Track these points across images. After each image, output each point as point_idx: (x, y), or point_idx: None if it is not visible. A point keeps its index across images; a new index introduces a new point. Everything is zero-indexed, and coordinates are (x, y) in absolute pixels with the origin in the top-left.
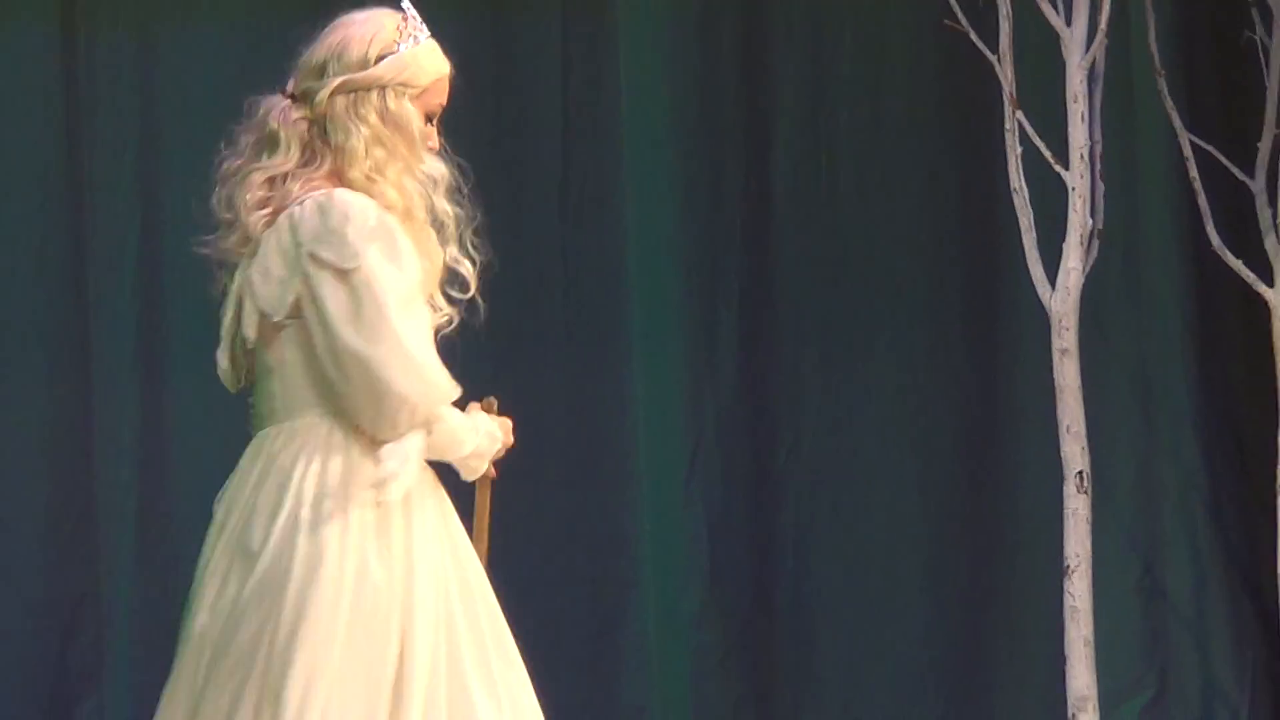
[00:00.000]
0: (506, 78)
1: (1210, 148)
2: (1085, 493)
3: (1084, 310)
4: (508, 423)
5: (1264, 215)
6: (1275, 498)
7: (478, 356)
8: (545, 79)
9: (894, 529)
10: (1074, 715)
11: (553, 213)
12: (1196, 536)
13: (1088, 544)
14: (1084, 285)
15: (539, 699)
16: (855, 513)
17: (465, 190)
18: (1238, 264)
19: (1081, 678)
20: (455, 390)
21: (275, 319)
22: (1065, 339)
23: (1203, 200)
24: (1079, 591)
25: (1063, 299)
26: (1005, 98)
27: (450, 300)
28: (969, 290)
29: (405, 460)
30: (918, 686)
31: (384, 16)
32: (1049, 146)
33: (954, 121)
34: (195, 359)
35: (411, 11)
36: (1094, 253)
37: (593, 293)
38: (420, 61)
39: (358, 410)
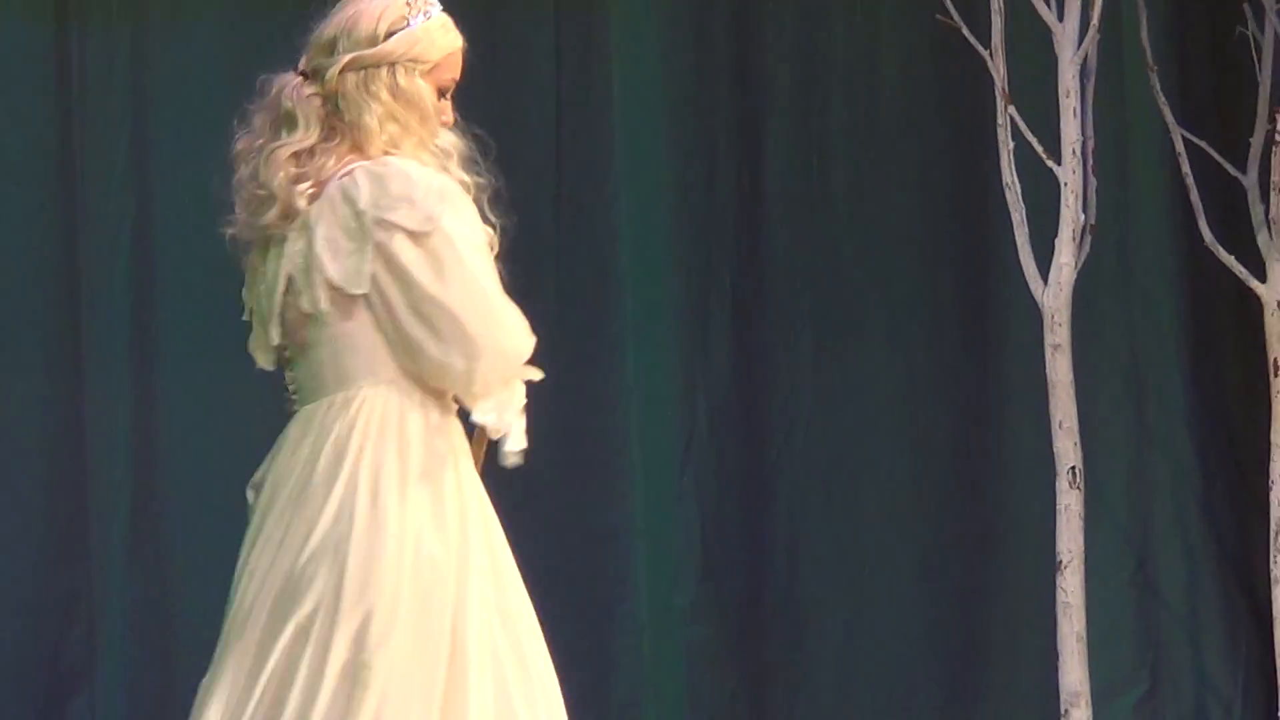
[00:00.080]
0: (499, 74)
1: (1202, 143)
2: (1078, 488)
3: (1076, 306)
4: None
5: (1256, 211)
6: (1268, 493)
7: None
8: (537, 75)
9: (887, 523)
10: (1066, 710)
11: (545, 209)
12: (1189, 532)
13: (1080, 539)
14: (1076, 281)
15: None
16: (848, 507)
17: (480, 161)
18: (1230, 259)
19: (1074, 673)
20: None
21: (352, 291)
22: (1058, 334)
23: (1195, 196)
24: (1071, 587)
25: (1055, 294)
26: (997, 93)
27: None
28: (961, 286)
29: (520, 414)
30: (910, 681)
31: None
32: (1041, 142)
33: (946, 117)
34: (188, 356)
35: None
36: (1086, 248)
37: (585, 288)
38: (431, 37)
39: (446, 370)
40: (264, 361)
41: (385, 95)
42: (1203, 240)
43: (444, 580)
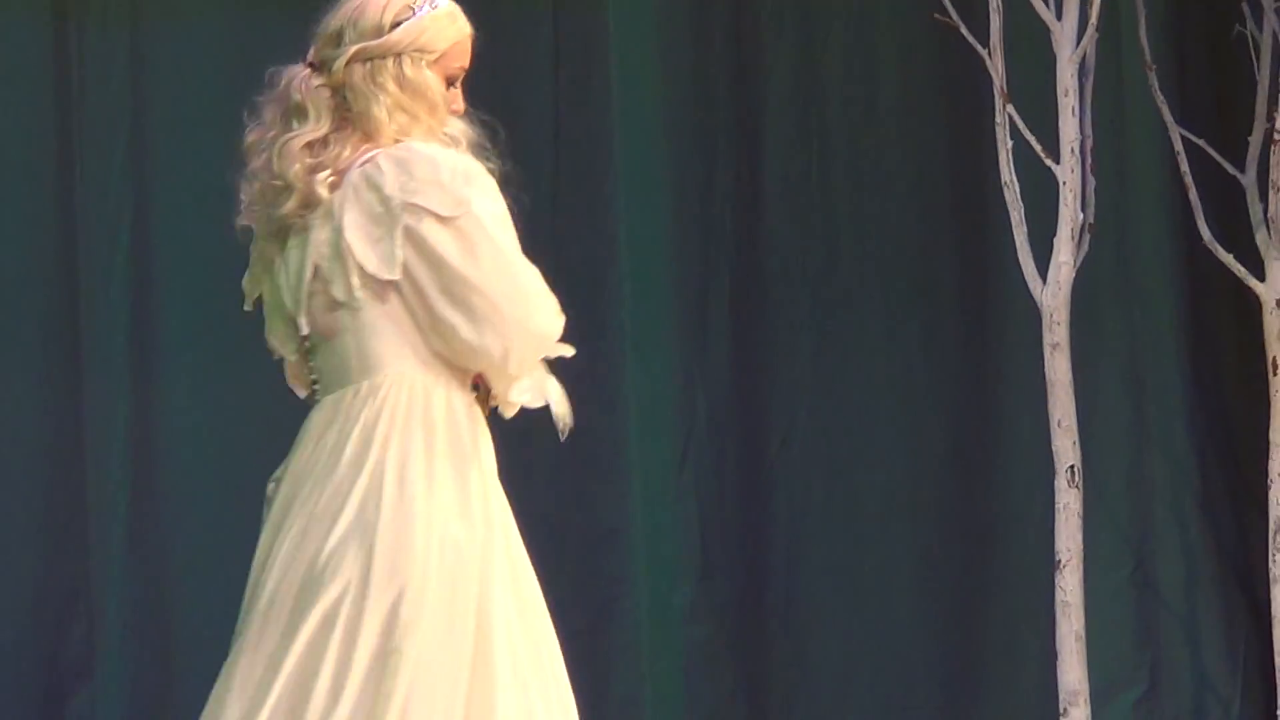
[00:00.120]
0: (497, 75)
1: (1201, 142)
2: (1076, 487)
3: (1075, 305)
4: None
5: (1254, 209)
6: (1266, 492)
7: None
8: (536, 75)
9: (885, 522)
10: (1065, 710)
11: (544, 208)
12: (1188, 531)
13: (1079, 538)
14: (1075, 280)
15: None
16: (846, 506)
17: (489, 147)
18: (1228, 258)
19: (1073, 672)
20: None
21: (384, 277)
22: (1056, 333)
23: (1193, 194)
24: (1070, 586)
25: (1054, 293)
26: (996, 92)
27: None
28: (960, 285)
29: (555, 385)
30: (909, 680)
31: None
32: (1040, 141)
33: (944, 116)
34: (187, 354)
35: None
36: (1085, 247)
37: (584, 287)
38: (438, 26)
39: (480, 351)
40: (287, 351)
41: (392, 86)
42: (1201, 239)
43: (469, 566)
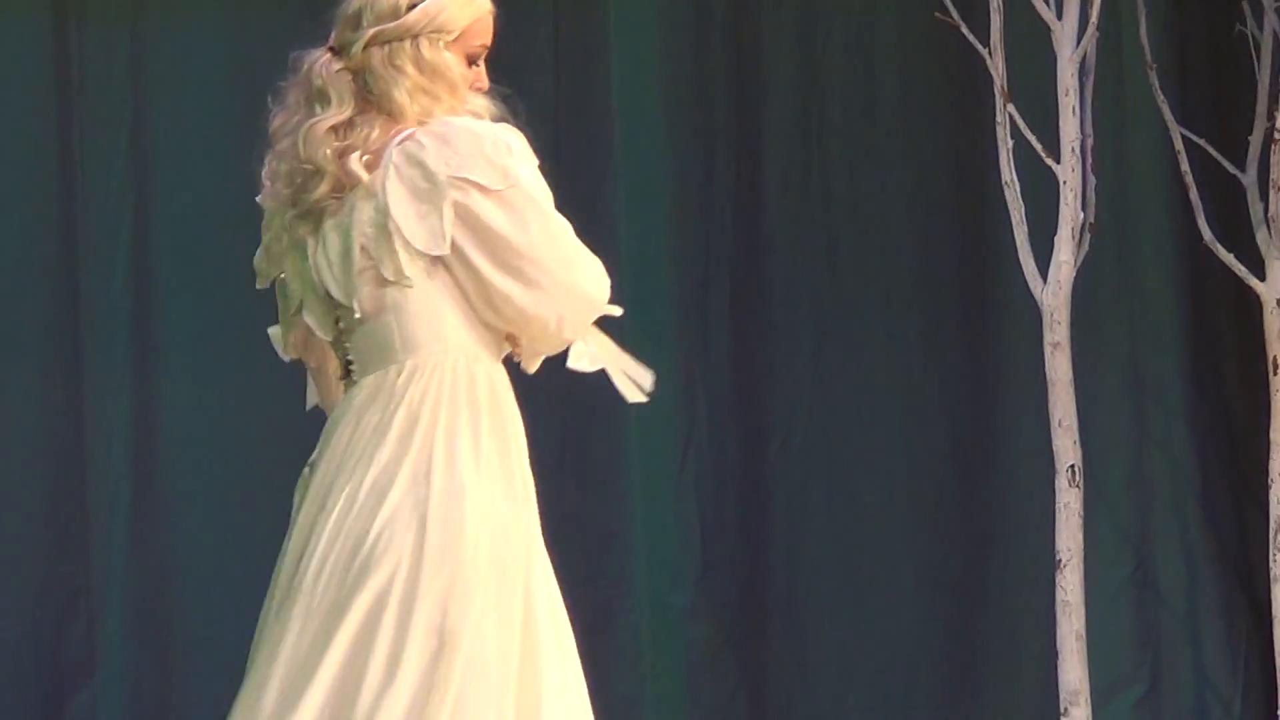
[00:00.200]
0: (497, 72)
1: (1202, 141)
2: (1077, 486)
3: (1075, 304)
4: None
5: (1255, 209)
6: (1267, 491)
7: None
8: (537, 74)
9: (886, 522)
10: (1066, 709)
11: None
12: (1188, 530)
13: (1079, 538)
14: (1075, 279)
15: None
16: (847, 506)
17: (511, 120)
18: (1229, 257)
19: (1073, 672)
20: None
21: (434, 253)
22: (1057, 333)
23: (1194, 194)
24: (1071, 585)
25: (1054, 293)
26: (996, 91)
27: None
28: (960, 284)
29: (610, 346)
30: (910, 680)
31: None
32: (1040, 140)
33: (945, 115)
34: (187, 353)
35: None
36: (1085, 246)
37: None
38: (454, 6)
39: (534, 319)
40: (322, 332)
41: (411, 69)
42: (1202, 238)
43: (516, 546)
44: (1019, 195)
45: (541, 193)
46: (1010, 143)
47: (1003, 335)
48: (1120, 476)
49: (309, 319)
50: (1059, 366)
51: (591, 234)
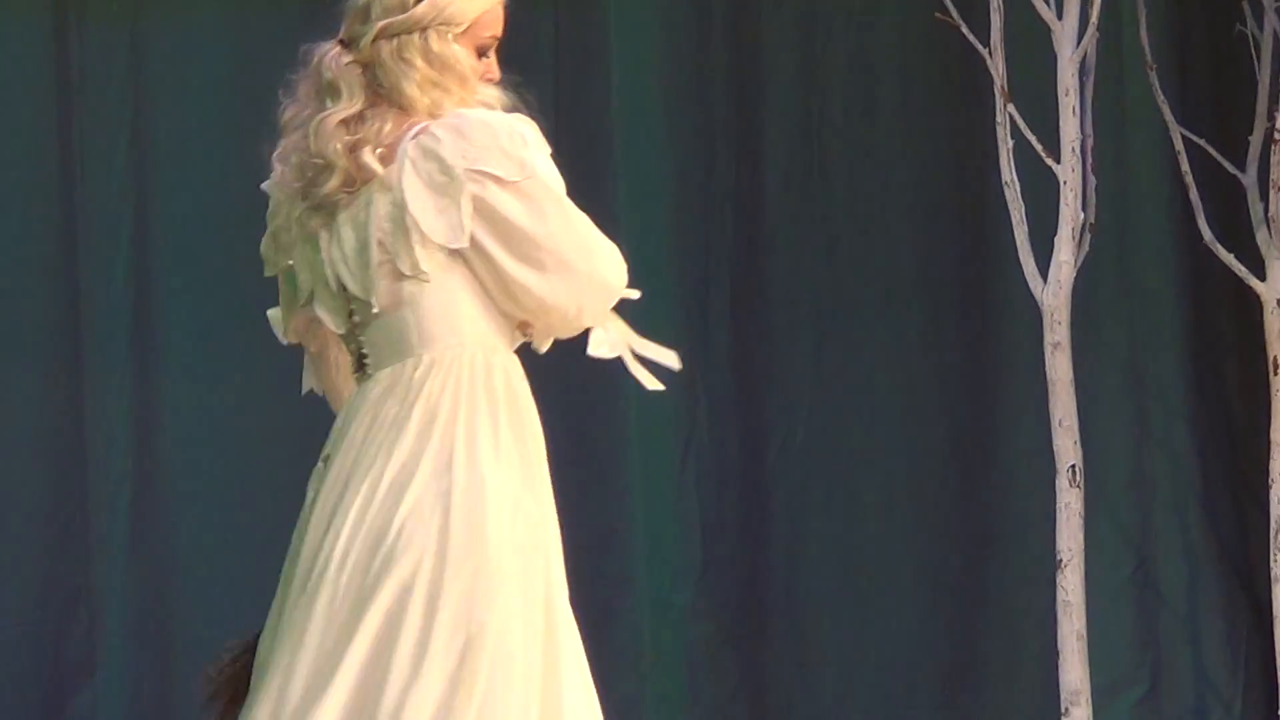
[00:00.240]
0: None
1: (1202, 141)
2: (1078, 487)
3: (1076, 304)
4: None
5: (1255, 209)
6: (1268, 491)
7: None
8: (537, 73)
9: (886, 522)
10: (1066, 709)
11: None
12: (1189, 530)
13: (1080, 538)
14: (1076, 279)
15: None
16: (847, 506)
17: (522, 110)
18: (1229, 258)
19: (1074, 672)
20: None
21: (453, 246)
22: (1057, 333)
23: (1194, 194)
24: (1071, 585)
25: (1054, 293)
26: (997, 91)
27: None
28: (961, 284)
29: (631, 333)
30: (910, 679)
31: None
32: (1040, 140)
33: (945, 115)
34: (187, 352)
35: None
36: (1086, 247)
37: None
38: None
39: (553, 308)
40: (334, 325)
41: (420, 62)
42: (1202, 238)
43: (537, 537)
44: (1019, 195)
45: (556, 182)
46: (1010, 143)
47: (1003, 335)
48: (1121, 476)
49: (320, 311)
50: (1059, 366)
51: None
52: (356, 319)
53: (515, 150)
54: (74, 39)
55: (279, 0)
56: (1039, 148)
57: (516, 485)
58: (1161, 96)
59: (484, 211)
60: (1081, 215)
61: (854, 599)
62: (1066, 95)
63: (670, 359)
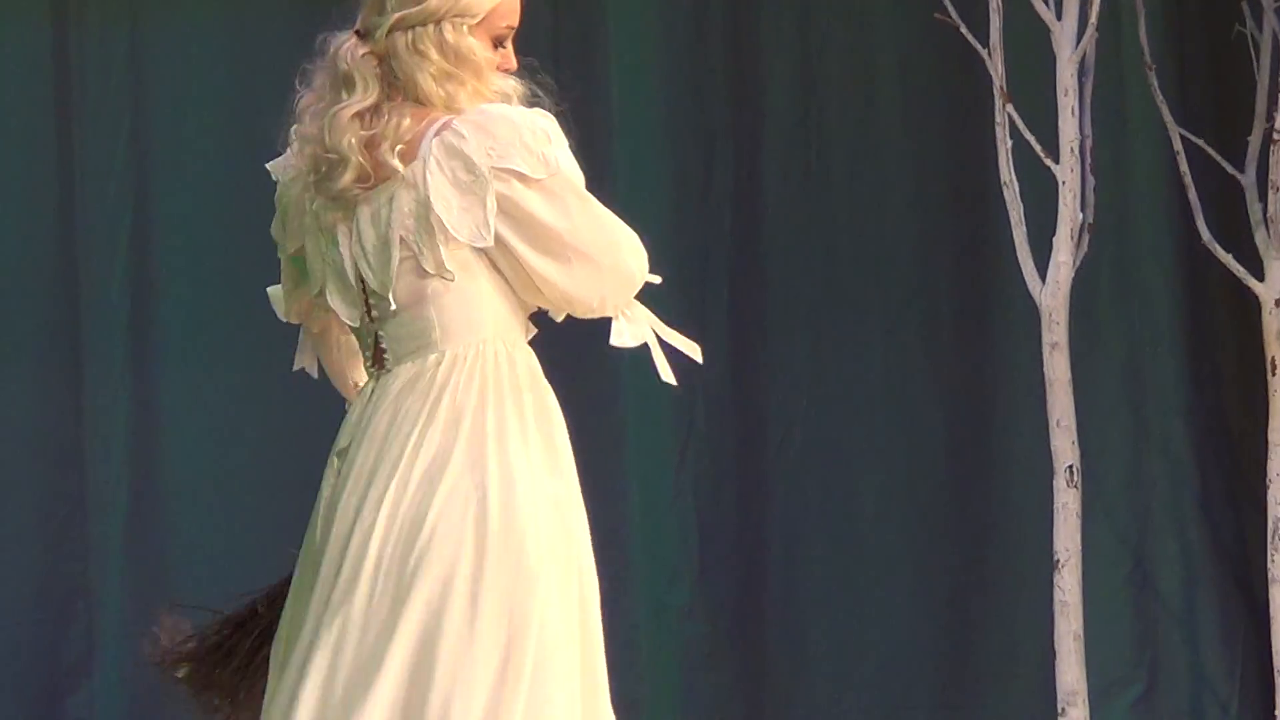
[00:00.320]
0: None
1: (1200, 142)
2: (1075, 487)
3: (1074, 304)
4: None
5: (1254, 209)
6: (1265, 492)
7: None
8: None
9: (883, 522)
10: (1063, 710)
11: None
12: (1186, 531)
13: (1077, 538)
14: (1074, 279)
15: None
16: (844, 506)
17: (541, 95)
18: (1228, 258)
19: (1071, 672)
20: None
21: (480, 245)
22: (1055, 333)
23: (1193, 194)
24: (1068, 586)
25: (1053, 293)
26: (995, 91)
27: None
28: (959, 284)
29: (653, 323)
30: (907, 679)
31: None
32: (1039, 140)
33: (944, 115)
34: (185, 353)
35: None
36: (1084, 247)
37: None
38: None
39: (576, 300)
40: (348, 317)
41: (435, 54)
42: (1200, 239)
43: (569, 524)
44: (1018, 195)
45: (579, 177)
46: (1009, 143)
47: (1001, 335)
48: (1118, 477)
49: (334, 303)
50: (1057, 367)
51: None
52: (375, 313)
53: (539, 146)
54: (73, 39)
55: (278, 4)
56: (1038, 148)
57: (545, 473)
58: (1160, 97)
59: (509, 209)
60: (1080, 215)
61: (851, 599)
62: (1065, 96)
63: (693, 350)
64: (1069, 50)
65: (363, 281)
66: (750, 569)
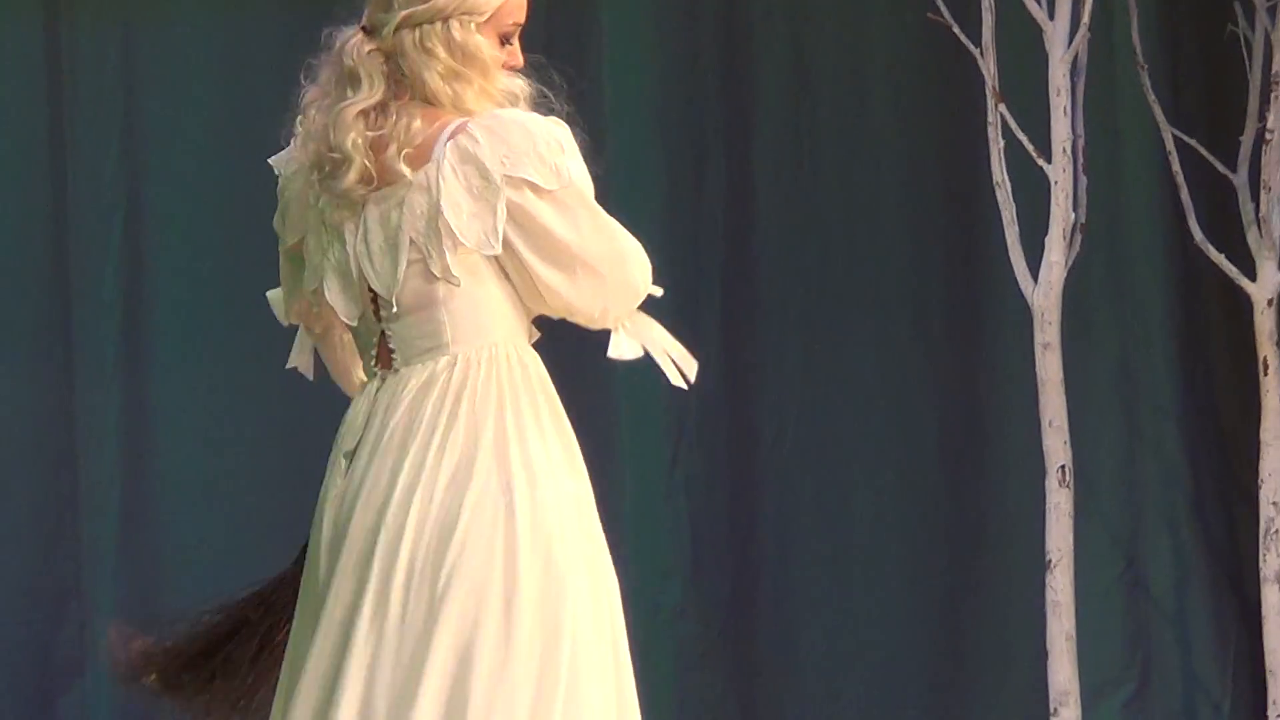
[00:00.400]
0: None
1: (1193, 141)
2: (1067, 487)
3: (1066, 304)
4: None
5: (1246, 209)
6: (1257, 491)
7: None
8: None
9: (876, 522)
10: (1055, 710)
11: None
12: (1178, 530)
13: (1069, 538)
14: (1066, 279)
15: None
16: (837, 506)
17: (550, 94)
18: (1220, 258)
19: (1063, 672)
20: None
21: (489, 253)
22: (1047, 333)
23: (1185, 194)
24: (1060, 586)
25: (1045, 293)
26: (988, 91)
27: None
28: (951, 284)
29: (660, 334)
30: (899, 679)
31: None
32: (1031, 140)
33: (936, 115)
34: (178, 353)
35: None
36: (1076, 247)
37: None
38: None
39: (579, 310)
40: (348, 316)
41: (442, 52)
42: (1193, 239)
43: (588, 522)
44: (1010, 195)
45: (590, 189)
46: (1001, 143)
47: (993, 335)
48: (1110, 477)
49: (333, 300)
50: (1049, 367)
51: None
52: (382, 314)
53: (552, 157)
54: (65, 35)
55: (274, 2)
56: (1030, 148)
57: (564, 472)
58: (1153, 96)
59: (519, 218)
60: (1072, 215)
61: (843, 599)
62: (1058, 95)
63: (690, 367)
64: (1061, 50)
65: (366, 282)
66: (743, 569)
